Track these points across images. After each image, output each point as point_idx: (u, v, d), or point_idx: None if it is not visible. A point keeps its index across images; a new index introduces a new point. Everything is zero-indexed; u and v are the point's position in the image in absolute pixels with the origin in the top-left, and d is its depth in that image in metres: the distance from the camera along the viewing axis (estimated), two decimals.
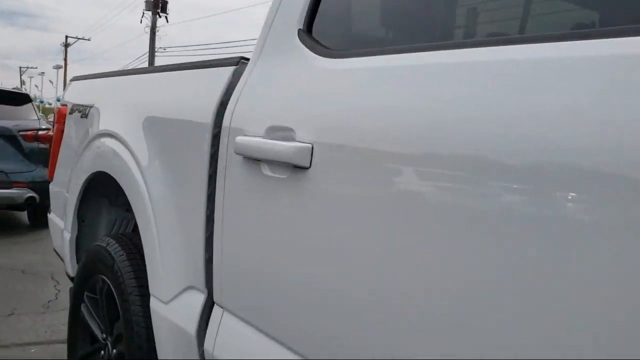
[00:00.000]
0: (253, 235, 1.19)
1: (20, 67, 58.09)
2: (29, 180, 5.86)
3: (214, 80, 1.44)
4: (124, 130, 1.74)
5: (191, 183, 1.44)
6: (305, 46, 1.18)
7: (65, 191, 2.41)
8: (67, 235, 2.29)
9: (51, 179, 2.67)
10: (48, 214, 2.76)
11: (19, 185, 5.78)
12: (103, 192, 2.26)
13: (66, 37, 43.18)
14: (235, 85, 1.36)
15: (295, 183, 1.06)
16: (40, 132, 6.03)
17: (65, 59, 43.19)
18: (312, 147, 1.03)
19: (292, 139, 1.08)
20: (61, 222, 2.49)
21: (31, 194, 5.83)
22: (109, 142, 1.87)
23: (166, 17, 27.71)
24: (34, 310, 3.63)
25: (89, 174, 2.05)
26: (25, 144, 5.91)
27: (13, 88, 7.35)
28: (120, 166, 1.77)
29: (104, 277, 1.93)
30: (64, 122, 2.50)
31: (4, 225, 6.50)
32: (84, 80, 2.56)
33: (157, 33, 27.22)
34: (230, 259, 1.28)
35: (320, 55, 1.13)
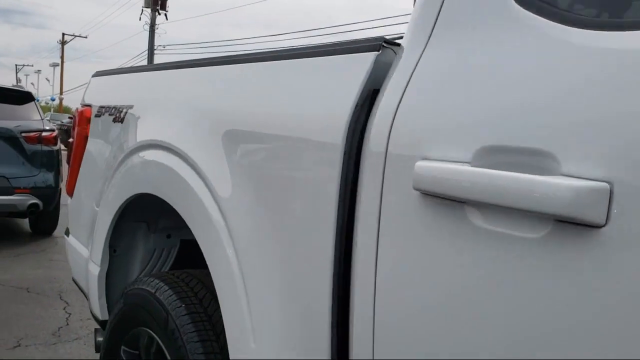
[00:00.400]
0: (446, 305, 0.74)
1: (16, 65, 57.23)
2: (32, 185, 5.38)
3: (340, 75, 0.98)
4: (187, 144, 1.28)
5: (305, 223, 0.98)
6: (540, 14, 0.72)
7: (89, 212, 1.95)
8: (95, 269, 1.83)
9: (70, 194, 2.20)
10: (66, 237, 2.29)
11: (20, 191, 5.30)
12: (141, 216, 1.80)
13: (63, 34, 42.61)
14: (381, 80, 0.90)
15: (562, 250, 0.61)
16: (44, 134, 5.55)
17: (62, 57, 42.58)
18: (611, 189, 0.57)
19: (553, 171, 0.62)
20: (84, 248, 2.03)
21: (34, 200, 5.35)
22: (160, 156, 1.41)
23: (165, 15, 27.24)
24: (43, 340, 3.16)
25: (129, 195, 1.58)
26: (28, 146, 5.41)
27: (14, 85, 6.85)
28: (181, 190, 1.31)
29: (151, 332, 1.47)
30: (88, 127, 2.04)
31: (3, 234, 6.01)
32: (111, 76, 2.09)
33: (156, 30, 26.75)
34: (395, 331, 0.82)
35: (578, 26, 0.68)
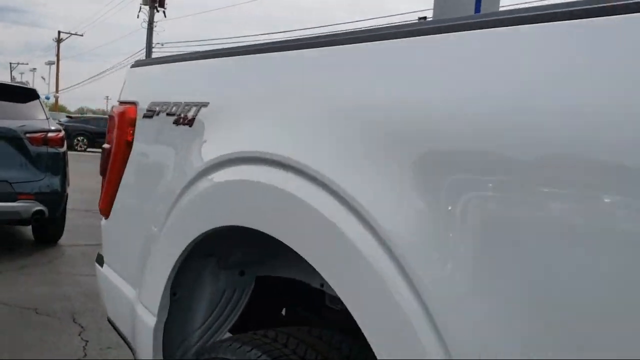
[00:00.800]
0: None
1: (10, 63, 56.46)
2: (36, 191, 4.90)
3: None
4: (329, 162, 0.85)
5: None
6: None
7: (137, 240, 1.51)
8: (149, 319, 1.39)
9: (105, 214, 1.76)
10: (98, 266, 1.85)
11: (24, 197, 4.83)
12: (212, 249, 1.37)
13: (59, 32, 41.98)
14: None
15: None
16: (50, 134, 5.08)
17: (58, 55, 41.95)
18: None
19: None
20: (127, 286, 1.59)
21: (39, 207, 4.87)
22: (268, 175, 0.97)
23: (164, 12, 26.84)
24: None
25: (207, 228, 1.15)
26: (33, 148, 4.94)
27: (18, 82, 6.38)
28: (312, 226, 0.87)
29: None
30: (132, 130, 1.60)
31: (5, 244, 5.54)
32: (161, 65, 1.65)
33: (154, 28, 26.34)
34: None
35: None
